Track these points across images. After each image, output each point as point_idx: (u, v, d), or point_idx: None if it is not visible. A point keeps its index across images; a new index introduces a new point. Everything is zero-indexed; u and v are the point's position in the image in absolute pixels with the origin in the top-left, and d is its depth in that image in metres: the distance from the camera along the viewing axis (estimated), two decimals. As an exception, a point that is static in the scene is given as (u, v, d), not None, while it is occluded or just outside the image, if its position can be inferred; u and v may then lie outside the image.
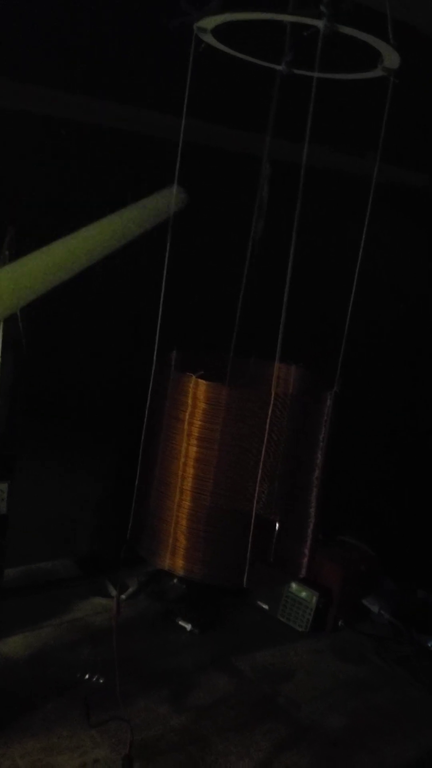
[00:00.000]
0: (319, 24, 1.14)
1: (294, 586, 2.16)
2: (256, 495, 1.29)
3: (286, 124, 1.41)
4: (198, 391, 1.28)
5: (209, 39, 1.31)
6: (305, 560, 1.42)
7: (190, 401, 1.29)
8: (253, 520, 1.30)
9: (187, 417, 1.30)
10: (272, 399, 1.25)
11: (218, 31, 1.29)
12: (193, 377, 1.28)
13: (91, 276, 1.74)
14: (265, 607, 2.22)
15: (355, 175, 1.48)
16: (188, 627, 2.06)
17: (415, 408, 3.19)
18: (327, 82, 1.45)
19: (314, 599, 2.13)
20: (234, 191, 1.95)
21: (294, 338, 1.61)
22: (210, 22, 1.24)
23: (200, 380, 1.28)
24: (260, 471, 1.28)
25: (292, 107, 1.36)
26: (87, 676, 1.79)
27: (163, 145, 1.55)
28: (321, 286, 2.44)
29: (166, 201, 1.55)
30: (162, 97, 1.91)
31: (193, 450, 1.31)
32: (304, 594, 2.15)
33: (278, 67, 1.38)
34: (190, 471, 1.32)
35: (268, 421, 1.26)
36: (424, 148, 2.82)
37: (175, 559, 1.36)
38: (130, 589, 2.19)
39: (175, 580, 2.21)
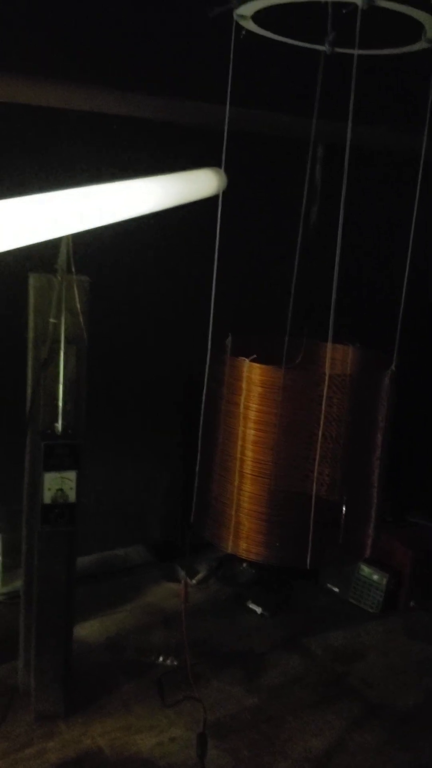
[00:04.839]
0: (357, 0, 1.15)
1: (364, 568, 2.16)
2: (314, 476, 1.30)
3: (337, 105, 1.40)
4: (252, 374, 1.29)
5: (250, 25, 1.32)
6: (370, 540, 1.42)
7: (245, 385, 1.30)
8: (313, 502, 1.30)
9: (242, 401, 1.31)
10: (327, 380, 1.26)
11: (258, 17, 1.30)
12: (247, 361, 1.29)
13: (145, 268, 1.78)
14: (336, 589, 2.23)
15: (409, 154, 1.47)
16: (259, 610, 2.09)
17: None
18: (374, 60, 1.43)
19: (385, 581, 2.13)
20: (287, 176, 1.95)
21: (354, 319, 1.60)
22: (249, 8, 1.25)
23: (254, 363, 1.29)
24: (318, 452, 1.28)
25: (340, 87, 1.35)
26: (161, 659, 1.84)
27: (212, 135, 1.57)
28: (378, 267, 2.42)
29: (208, 179, 1.55)
30: (208, 87, 1.92)
31: (250, 433, 1.32)
32: (374, 576, 2.15)
33: (322, 48, 1.37)
34: (249, 454, 1.34)
35: (323, 402, 1.26)
36: None
37: (238, 542, 1.38)
38: (201, 574, 2.23)
39: (245, 565, 2.24)
